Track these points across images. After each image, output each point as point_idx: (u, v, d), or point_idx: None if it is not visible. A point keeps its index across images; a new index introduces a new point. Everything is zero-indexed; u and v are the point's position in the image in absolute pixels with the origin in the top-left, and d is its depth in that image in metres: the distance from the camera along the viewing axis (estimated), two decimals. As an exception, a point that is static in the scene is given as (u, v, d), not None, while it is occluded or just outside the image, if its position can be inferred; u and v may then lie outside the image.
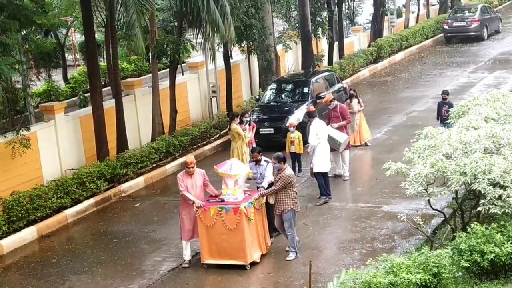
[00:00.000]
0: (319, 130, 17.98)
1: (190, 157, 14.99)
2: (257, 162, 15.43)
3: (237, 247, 14.21)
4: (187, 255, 14.75)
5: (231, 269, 14.31)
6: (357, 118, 21.87)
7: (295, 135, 19.68)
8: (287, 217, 14.52)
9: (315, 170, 17.72)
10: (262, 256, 14.66)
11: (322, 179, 17.80)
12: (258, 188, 15.25)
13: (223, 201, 14.42)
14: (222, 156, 20.89)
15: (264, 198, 14.77)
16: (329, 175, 18.45)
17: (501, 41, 40.61)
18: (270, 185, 15.03)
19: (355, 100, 22.05)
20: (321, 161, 17.75)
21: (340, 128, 19.22)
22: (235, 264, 14.23)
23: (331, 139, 18.57)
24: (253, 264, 14.38)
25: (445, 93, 20.78)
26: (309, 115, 18.76)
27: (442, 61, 35.99)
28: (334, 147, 18.79)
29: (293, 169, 19.85)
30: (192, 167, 14.58)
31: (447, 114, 19.13)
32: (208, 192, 14.87)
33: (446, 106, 20.06)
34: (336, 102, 19.89)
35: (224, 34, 21.66)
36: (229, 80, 25.52)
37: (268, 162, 15.32)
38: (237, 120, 19.74)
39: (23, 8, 18.02)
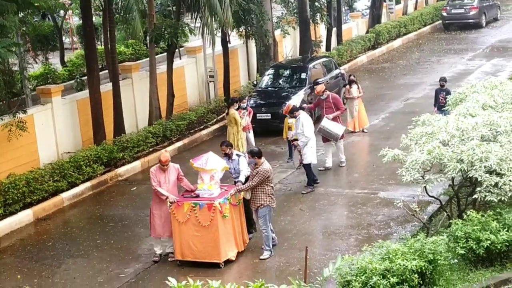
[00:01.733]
0: (310, 122, 17.90)
1: (165, 155, 14.29)
2: (228, 156, 14.85)
3: (210, 245, 13.76)
4: (157, 249, 14.39)
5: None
6: (356, 104, 21.93)
7: (293, 121, 19.63)
8: (262, 213, 14.12)
9: (307, 162, 17.62)
10: (239, 253, 14.25)
11: (311, 169, 17.81)
12: (235, 183, 14.74)
13: (198, 196, 13.94)
14: (218, 140, 20.69)
15: (242, 193, 14.38)
16: (320, 169, 18.71)
17: (500, 28, 40.54)
18: (248, 179, 14.63)
19: (354, 86, 22.11)
20: (313, 153, 17.78)
21: (334, 119, 19.07)
22: (209, 262, 13.80)
23: (327, 132, 18.57)
24: (241, 253, 14.25)
25: (443, 80, 20.77)
26: (294, 110, 18.00)
27: (440, 48, 35.94)
28: (331, 139, 18.78)
29: (290, 155, 19.88)
30: (167, 165, 14.08)
31: (444, 101, 19.12)
32: (183, 187, 14.42)
33: (444, 93, 20.08)
34: (328, 92, 19.61)
35: (222, 19, 21.60)
36: (227, 65, 25.47)
37: (239, 156, 14.97)
38: (236, 105, 19.70)
39: (20, -10, 17.93)
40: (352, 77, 22.58)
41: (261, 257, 14.15)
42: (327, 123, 18.67)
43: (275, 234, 14.60)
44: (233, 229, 14.09)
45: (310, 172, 17.76)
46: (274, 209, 14.54)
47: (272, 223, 14.57)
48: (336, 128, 18.69)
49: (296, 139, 17.83)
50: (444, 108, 18.39)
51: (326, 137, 18.83)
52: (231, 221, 14.03)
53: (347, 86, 22.49)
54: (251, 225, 15.04)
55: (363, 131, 22.18)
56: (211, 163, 14.03)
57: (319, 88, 19.79)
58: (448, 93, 19.83)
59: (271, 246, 14.22)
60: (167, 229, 14.19)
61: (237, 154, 15.02)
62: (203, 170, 14.03)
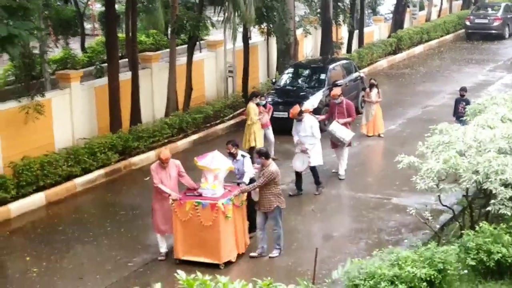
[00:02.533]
0: (317, 123, 17.65)
1: (165, 153, 14.04)
2: (233, 156, 14.57)
3: (211, 245, 13.51)
4: (163, 247, 14.22)
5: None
6: (373, 108, 21.89)
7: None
8: (272, 215, 14.00)
9: (315, 164, 17.35)
10: (239, 255, 14.04)
11: (317, 172, 17.58)
12: (238, 184, 14.48)
13: (201, 195, 13.71)
14: (234, 136, 20.72)
15: (245, 194, 14.16)
16: (333, 171, 18.69)
17: (523, 41, 40.38)
18: (252, 180, 14.50)
19: (374, 90, 22.07)
20: (320, 155, 17.60)
21: (344, 125, 18.60)
22: (209, 262, 13.51)
23: (335, 136, 18.25)
24: (241, 255, 14.08)
25: (463, 89, 20.70)
26: (300, 114, 17.57)
27: (461, 57, 35.80)
28: (339, 143, 18.42)
29: None
30: (167, 163, 13.84)
31: (463, 111, 19.04)
32: (184, 184, 14.19)
33: (464, 103, 19.97)
34: (342, 97, 19.15)
35: (245, 15, 21.58)
36: (247, 61, 25.44)
37: (244, 157, 14.68)
38: (256, 100, 19.68)
39: (45, -27, 18.00)
40: (373, 81, 22.51)
41: (271, 255, 14.11)
42: (336, 127, 18.32)
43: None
44: (235, 230, 13.89)
45: (316, 174, 17.56)
46: (284, 208, 14.43)
47: (283, 223, 14.47)
48: (345, 133, 18.31)
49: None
50: (462, 118, 18.31)
51: (334, 142, 18.48)
52: (233, 222, 13.81)
53: (367, 89, 22.45)
54: (253, 225, 14.83)
55: (379, 135, 22.12)
56: (216, 163, 13.75)
57: (335, 91, 19.49)
58: (468, 103, 19.72)
59: (281, 245, 14.19)
60: (170, 226, 14.00)
61: (242, 155, 14.74)
62: (207, 169, 13.73)
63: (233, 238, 13.87)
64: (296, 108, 17.71)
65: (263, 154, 14.04)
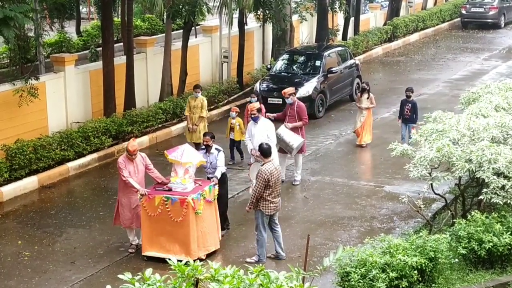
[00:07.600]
0: (273, 127, 16.24)
1: (133, 144, 13.68)
2: (207, 149, 14.17)
3: (181, 241, 13.14)
4: (135, 240, 13.99)
5: (228, 236, 14.33)
6: (363, 115, 19.64)
7: (236, 121, 18.37)
8: (254, 216, 13.19)
9: None
10: (211, 252, 13.56)
11: None
12: (208, 178, 14.05)
13: (170, 190, 13.34)
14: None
15: (217, 189, 13.72)
16: None
17: (518, 30, 40.34)
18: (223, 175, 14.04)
19: (365, 95, 19.72)
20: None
21: (295, 129, 16.96)
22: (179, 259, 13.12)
23: (283, 142, 16.70)
24: (213, 251, 13.65)
25: (410, 90, 19.31)
26: (258, 112, 16.19)
27: (456, 45, 35.77)
28: (286, 150, 16.88)
29: (232, 157, 18.51)
30: (135, 155, 13.51)
31: (409, 114, 18.68)
32: (153, 178, 13.86)
33: (409, 105, 19.00)
34: (295, 98, 17.54)
35: (241, 0, 21.50)
36: (242, 47, 25.40)
37: (219, 151, 14.16)
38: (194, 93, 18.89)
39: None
40: (364, 85, 20.05)
41: (247, 259, 13.16)
42: (283, 131, 16.74)
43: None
44: (206, 226, 13.44)
45: None
46: (268, 216, 13.11)
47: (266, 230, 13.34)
48: (293, 139, 16.66)
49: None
50: (409, 122, 17.86)
51: (281, 147, 16.85)
52: (204, 218, 13.40)
53: (358, 94, 20.62)
54: (224, 221, 14.40)
55: (361, 146, 19.95)
56: (186, 156, 13.34)
57: (287, 90, 17.63)
58: (413, 105, 18.86)
59: (259, 252, 13.26)
60: (138, 220, 13.65)
61: (216, 148, 14.26)
62: (177, 163, 13.36)
63: (204, 234, 13.38)
64: (252, 107, 16.30)
65: (262, 150, 13.18)
